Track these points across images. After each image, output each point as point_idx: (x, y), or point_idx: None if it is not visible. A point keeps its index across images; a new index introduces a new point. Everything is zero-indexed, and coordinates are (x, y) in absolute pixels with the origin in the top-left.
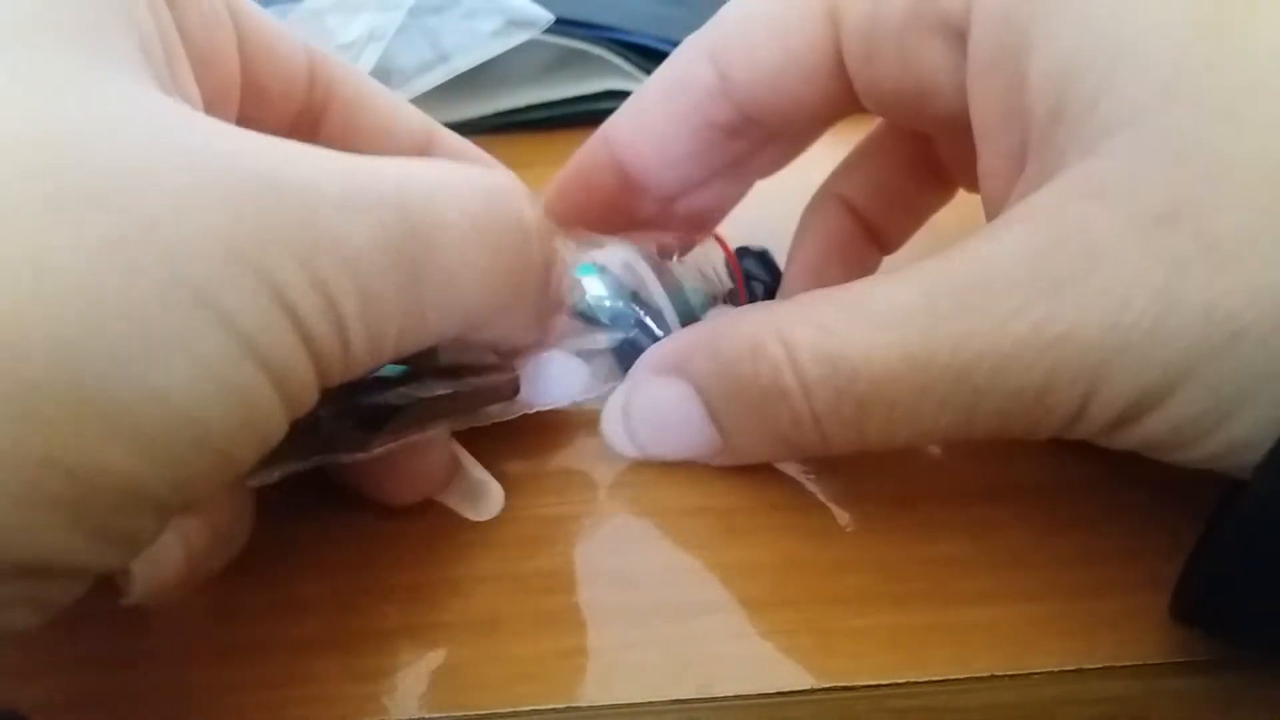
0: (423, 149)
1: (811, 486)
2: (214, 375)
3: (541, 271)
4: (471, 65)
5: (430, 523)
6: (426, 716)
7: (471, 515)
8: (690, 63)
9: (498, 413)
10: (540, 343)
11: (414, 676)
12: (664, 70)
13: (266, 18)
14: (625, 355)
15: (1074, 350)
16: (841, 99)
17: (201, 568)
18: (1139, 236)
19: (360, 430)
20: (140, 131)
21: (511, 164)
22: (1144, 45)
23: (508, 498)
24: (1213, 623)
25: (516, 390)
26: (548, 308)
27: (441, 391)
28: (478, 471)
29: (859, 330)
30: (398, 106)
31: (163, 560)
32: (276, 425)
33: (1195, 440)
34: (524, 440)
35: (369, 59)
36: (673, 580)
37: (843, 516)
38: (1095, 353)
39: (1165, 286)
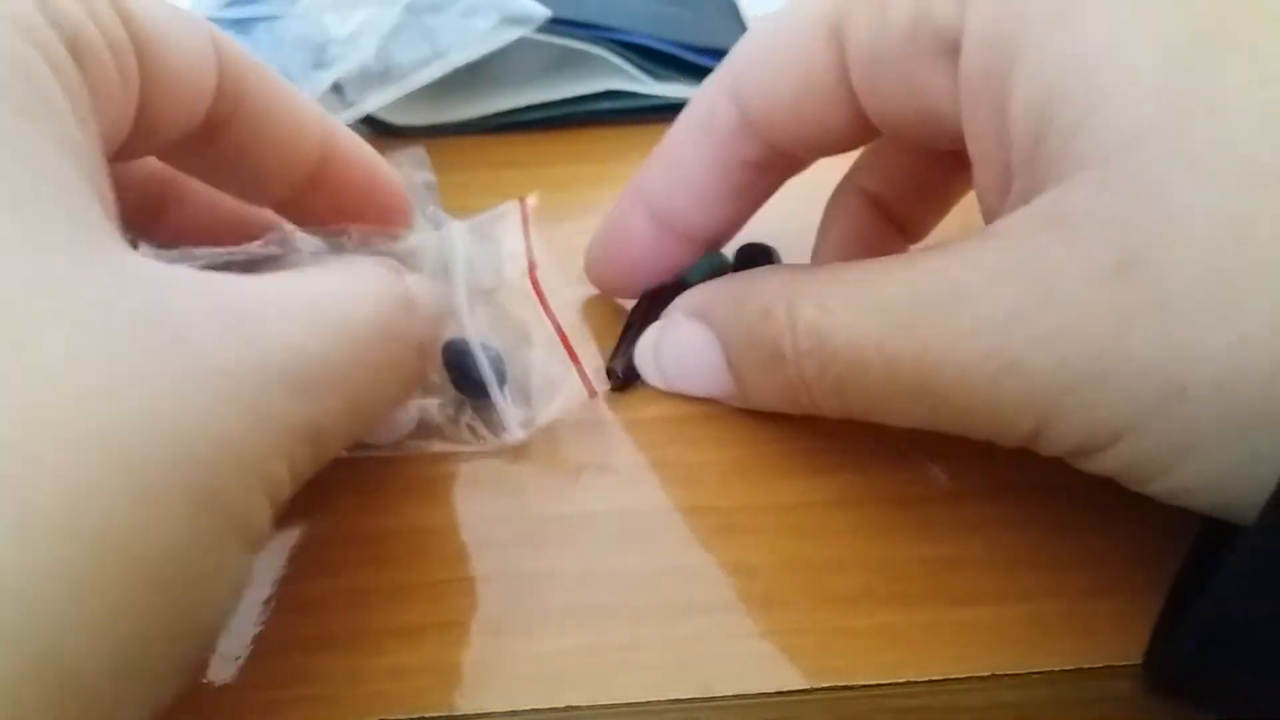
0: (322, 160)
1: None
2: (235, 585)
3: (425, 367)
4: (468, 60)
5: (430, 523)
6: (426, 716)
7: None
8: (712, 100)
9: None
10: None
11: (414, 676)
12: (688, 113)
13: (168, 27)
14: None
15: (1021, 384)
16: (862, 122)
17: None
18: (1093, 282)
19: None
20: (119, 343)
21: (511, 164)
22: (1125, 84)
23: (509, 496)
24: (1206, 692)
25: None
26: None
27: None
28: None
29: (848, 314)
30: (301, 112)
31: None
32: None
33: (1149, 479)
34: (523, 441)
35: (364, 52)
36: (672, 580)
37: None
38: (1043, 391)
39: (1114, 336)
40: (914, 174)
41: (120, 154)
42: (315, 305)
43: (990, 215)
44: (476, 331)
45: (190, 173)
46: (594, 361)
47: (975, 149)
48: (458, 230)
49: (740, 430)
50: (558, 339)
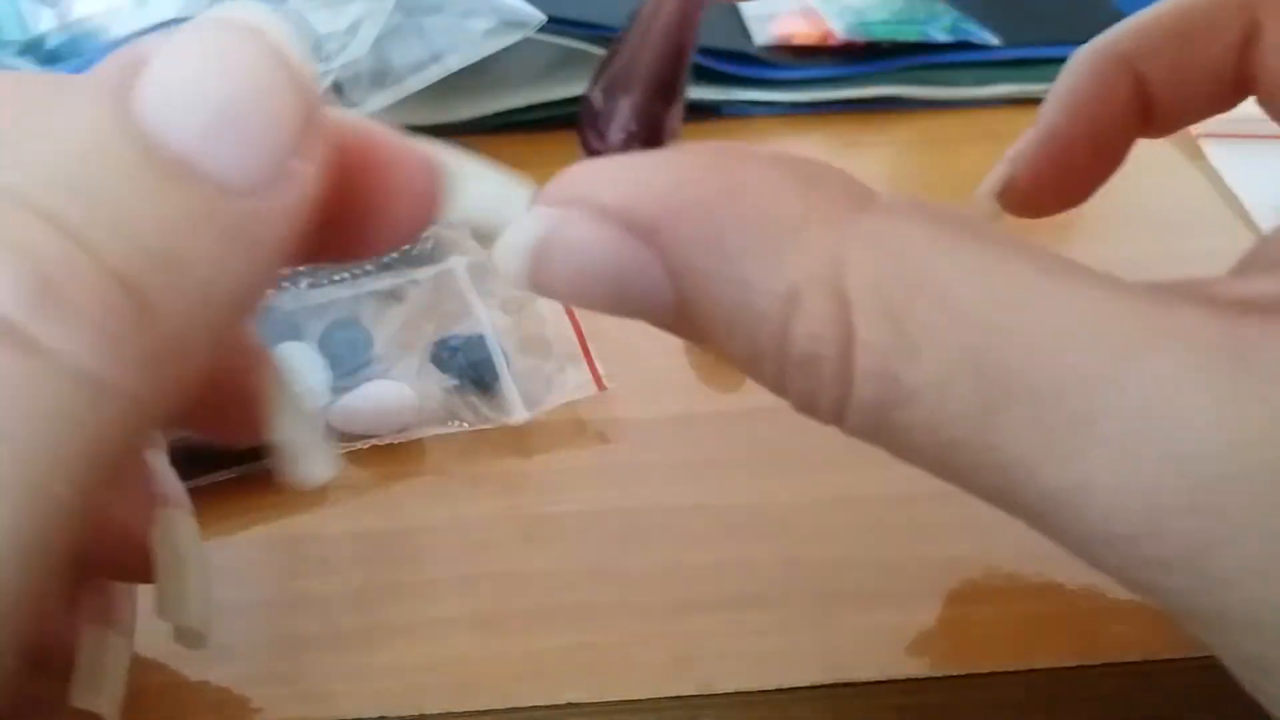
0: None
1: None
2: None
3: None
4: (464, 64)
5: (431, 522)
6: (427, 713)
7: None
8: None
9: None
10: None
11: (414, 673)
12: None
13: None
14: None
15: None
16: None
17: None
18: None
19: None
20: None
21: (511, 164)
22: None
23: (509, 494)
24: None
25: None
26: None
27: None
28: None
29: (961, 361)
30: None
31: None
32: None
33: None
34: (524, 439)
35: (356, 49)
36: (673, 578)
37: None
38: None
39: None
40: (1202, 62)
41: None
42: None
43: None
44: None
45: None
46: (603, 358)
47: None
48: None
49: (740, 429)
50: (570, 339)
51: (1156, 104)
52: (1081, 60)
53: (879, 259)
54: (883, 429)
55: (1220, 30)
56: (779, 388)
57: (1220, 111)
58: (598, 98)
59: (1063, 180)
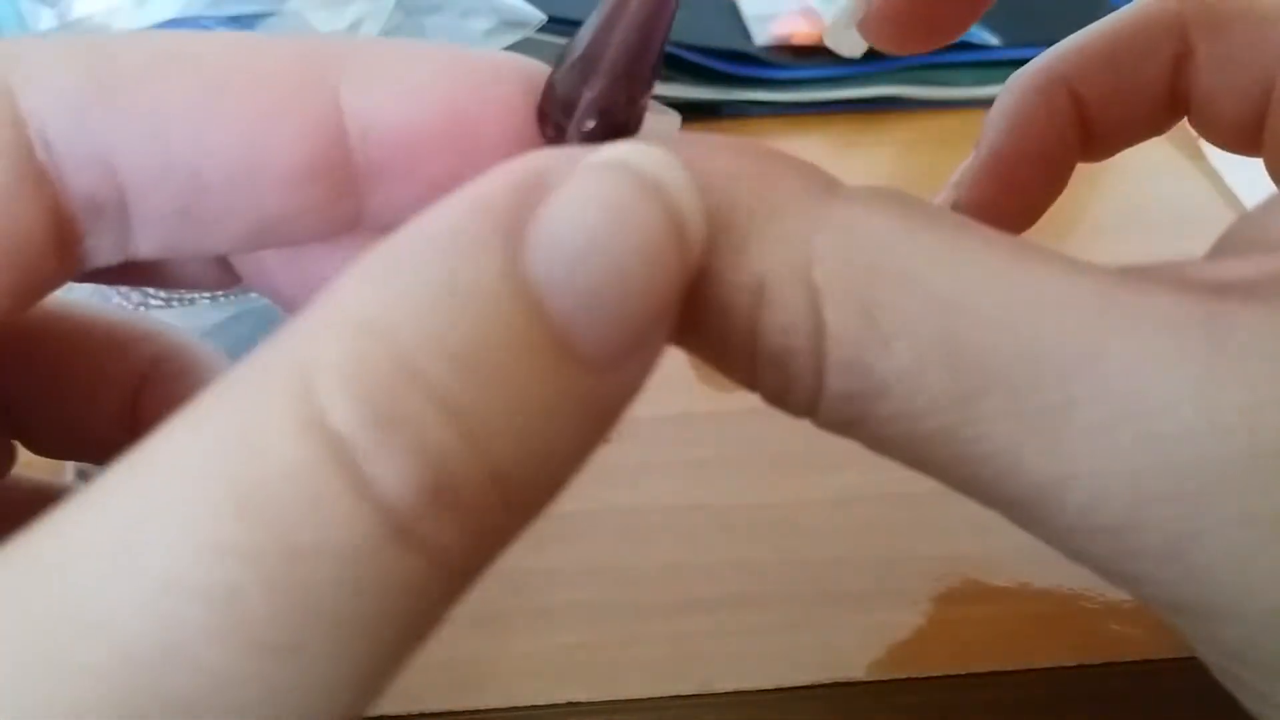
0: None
1: None
2: None
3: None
4: None
5: None
6: (427, 711)
7: None
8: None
9: None
10: None
11: (414, 672)
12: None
13: None
14: None
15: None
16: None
17: None
18: None
19: None
20: None
21: None
22: None
23: None
24: None
25: None
26: None
27: None
28: None
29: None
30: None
31: None
32: None
33: None
34: None
35: None
36: (673, 577)
37: None
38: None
39: None
40: (1136, 83)
41: None
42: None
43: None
44: None
45: None
46: None
47: None
48: None
49: (740, 429)
50: None
51: (1094, 126)
52: (1021, 82)
53: (847, 247)
54: (856, 422)
55: (1153, 51)
56: (748, 382)
57: (1157, 134)
58: (563, 83)
59: (1007, 203)
